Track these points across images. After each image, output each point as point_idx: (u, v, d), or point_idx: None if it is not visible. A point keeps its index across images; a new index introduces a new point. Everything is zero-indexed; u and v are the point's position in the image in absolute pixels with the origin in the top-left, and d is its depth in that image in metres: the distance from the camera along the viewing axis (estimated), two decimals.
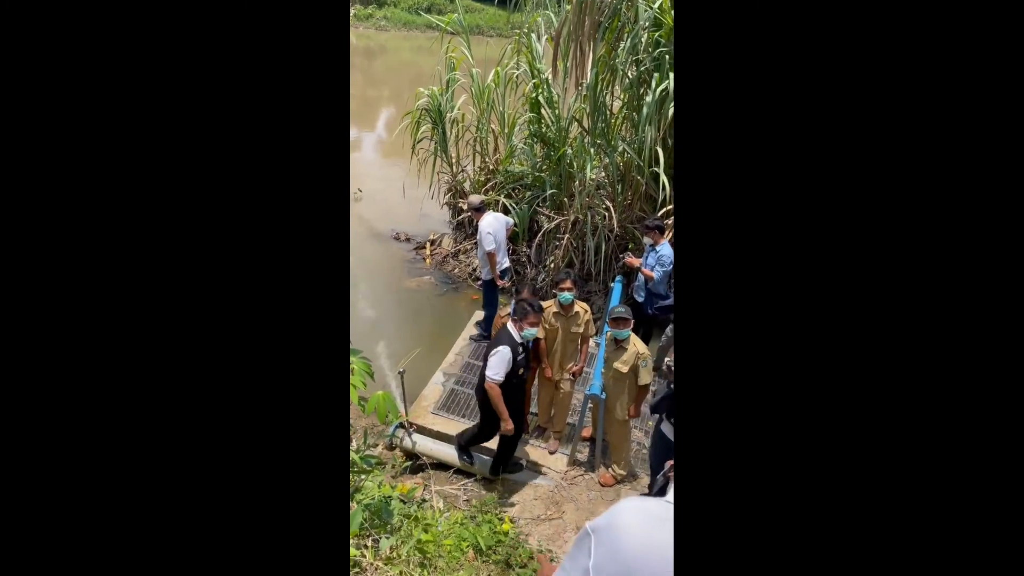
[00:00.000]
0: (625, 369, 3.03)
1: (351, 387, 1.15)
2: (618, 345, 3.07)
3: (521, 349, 3.01)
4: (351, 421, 3.77)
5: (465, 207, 4.49)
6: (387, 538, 1.28)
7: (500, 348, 2.91)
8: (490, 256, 4.20)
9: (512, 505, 3.25)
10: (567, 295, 3.31)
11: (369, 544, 1.27)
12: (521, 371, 3.04)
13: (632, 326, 3.06)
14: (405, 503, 2.22)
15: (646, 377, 3.00)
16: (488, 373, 2.91)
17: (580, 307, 3.39)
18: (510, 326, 3.00)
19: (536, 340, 3.27)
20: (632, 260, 3.94)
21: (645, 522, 0.66)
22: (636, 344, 3.05)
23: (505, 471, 3.39)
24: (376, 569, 1.20)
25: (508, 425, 3.01)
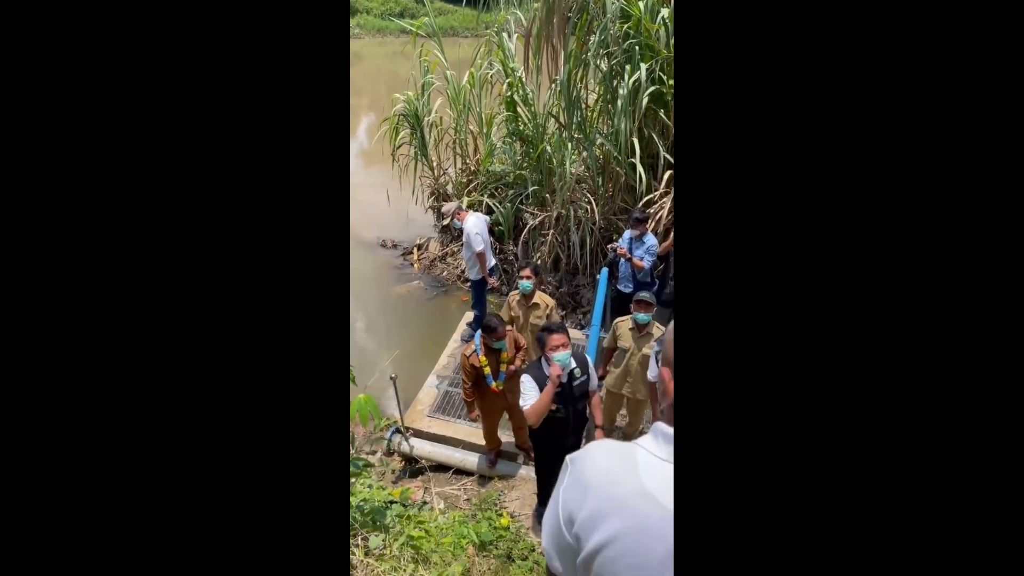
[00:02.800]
0: None
1: None
2: (643, 331, 3.12)
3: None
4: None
5: (444, 210, 4.52)
6: (376, 536, 1.31)
7: (523, 377, 2.63)
8: (480, 256, 4.25)
9: (513, 500, 3.28)
10: (526, 283, 3.44)
11: (359, 543, 1.30)
12: (555, 407, 2.60)
13: (654, 311, 3.11)
14: (405, 507, 2.24)
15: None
16: (520, 402, 2.63)
17: (542, 300, 3.50)
18: (542, 360, 2.64)
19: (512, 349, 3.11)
20: (624, 250, 4.00)
21: (608, 454, 0.73)
22: (659, 327, 3.14)
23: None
24: (367, 566, 1.23)
25: (544, 399, 2.50)
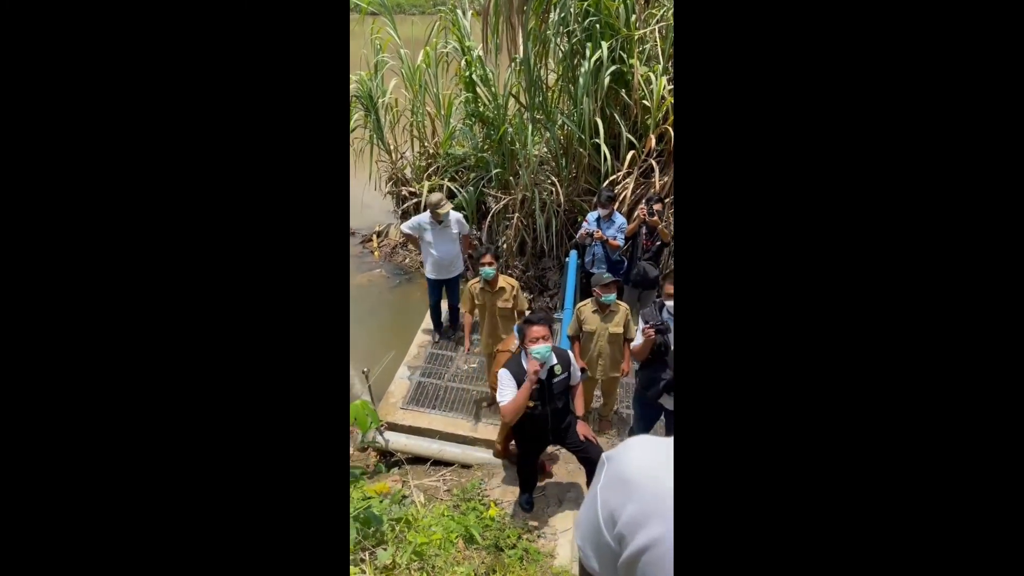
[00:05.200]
0: (620, 329, 3.14)
1: None
2: (606, 311, 3.13)
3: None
4: None
5: (432, 201, 4.20)
6: (384, 550, 1.24)
7: (500, 372, 2.56)
8: (467, 239, 4.25)
9: (494, 488, 3.26)
10: (488, 270, 3.38)
11: (366, 558, 1.23)
12: (532, 403, 2.52)
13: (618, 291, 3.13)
14: (383, 501, 2.17)
15: (633, 332, 3.10)
16: (497, 397, 2.59)
17: (507, 282, 3.46)
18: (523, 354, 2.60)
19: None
20: (601, 233, 3.98)
21: (648, 450, 0.72)
22: (621, 305, 3.18)
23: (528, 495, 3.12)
24: None
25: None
